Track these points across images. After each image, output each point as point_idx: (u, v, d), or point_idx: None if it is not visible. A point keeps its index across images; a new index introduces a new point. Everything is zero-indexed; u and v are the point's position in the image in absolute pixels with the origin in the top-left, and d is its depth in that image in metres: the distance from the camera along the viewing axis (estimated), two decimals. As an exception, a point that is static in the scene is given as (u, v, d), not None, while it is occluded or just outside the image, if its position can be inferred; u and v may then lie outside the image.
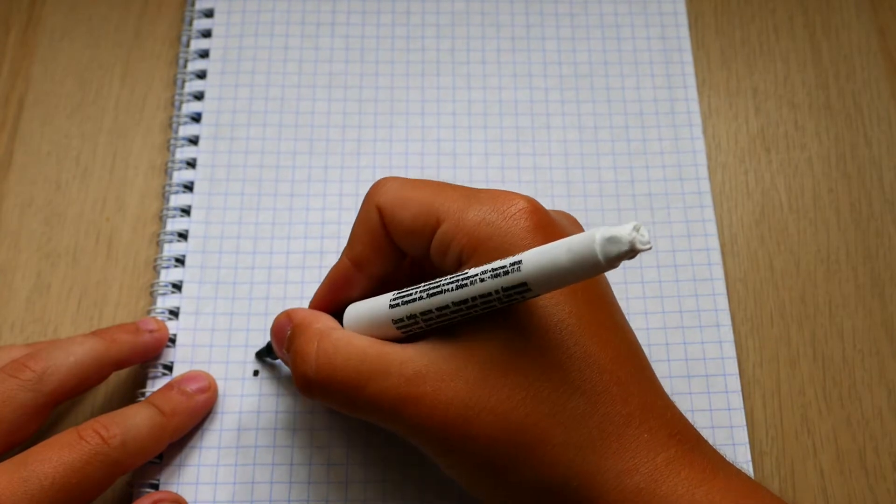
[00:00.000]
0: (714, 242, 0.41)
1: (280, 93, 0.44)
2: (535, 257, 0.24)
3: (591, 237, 0.23)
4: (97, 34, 0.46)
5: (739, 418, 0.37)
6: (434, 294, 0.27)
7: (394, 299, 0.29)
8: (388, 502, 0.35)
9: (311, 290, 0.39)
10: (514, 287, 0.25)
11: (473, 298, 0.26)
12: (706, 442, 0.29)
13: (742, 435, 0.36)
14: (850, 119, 0.44)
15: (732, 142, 0.44)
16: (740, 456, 0.36)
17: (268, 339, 0.38)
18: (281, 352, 0.34)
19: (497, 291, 0.26)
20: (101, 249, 0.41)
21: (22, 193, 0.42)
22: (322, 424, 0.37)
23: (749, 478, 0.28)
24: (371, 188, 0.32)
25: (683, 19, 0.46)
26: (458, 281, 0.27)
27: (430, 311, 0.28)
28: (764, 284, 0.40)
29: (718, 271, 0.40)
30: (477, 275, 0.26)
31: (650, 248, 0.22)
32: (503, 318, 0.28)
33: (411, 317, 0.28)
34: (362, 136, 0.43)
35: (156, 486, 0.35)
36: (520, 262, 0.25)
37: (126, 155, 0.43)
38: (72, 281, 0.40)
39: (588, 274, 0.23)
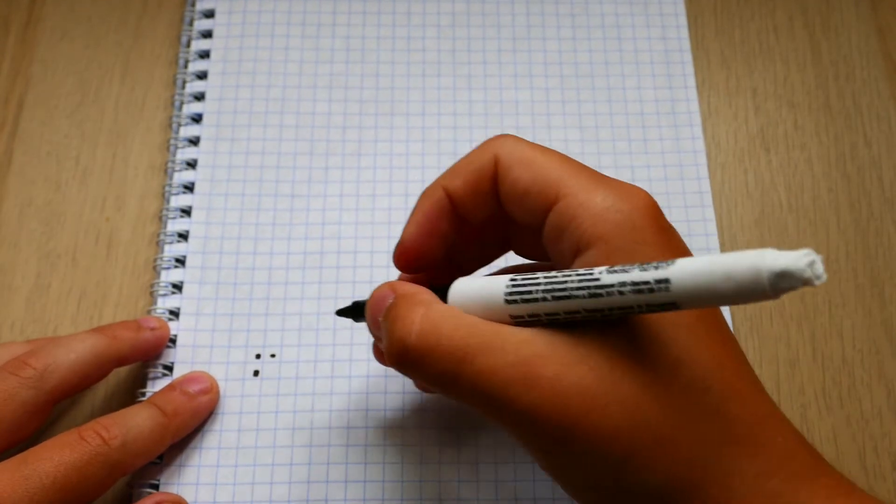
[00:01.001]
0: (714, 242, 0.41)
1: (281, 93, 0.44)
2: (688, 279, 0.22)
3: (757, 269, 0.20)
4: (97, 34, 0.46)
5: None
6: (561, 297, 0.25)
7: (510, 294, 0.26)
8: (388, 502, 0.35)
9: (312, 290, 0.39)
10: (661, 305, 0.23)
11: (611, 309, 0.24)
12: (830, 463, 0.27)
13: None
14: (849, 119, 0.44)
15: (732, 141, 0.44)
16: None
17: (271, 334, 0.38)
18: (375, 325, 0.30)
19: (640, 307, 0.23)
20: (101, 249, 0.41)
21: (22, 193, 0.42)
22: (322, 424, 0.37)
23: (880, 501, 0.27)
24: (493, 137, 0.30)
25: (683, 19, 0.46)
26: (589, 288, 0.24)
27: (557, 314, 0.25)
28: (764, 284, 0.40)
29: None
30: (614, 286, 0.24)
31: (819, 284, 0.20)
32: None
33: (534, 315, 0.26)
34: (363, 137, 0.43)
35: (156, 487, 0.35)
36: (667, 280, 0.22)
37: (126, 155, 0.43)
38: (71, 281, 0.40)
39: (747, 301, 0.21)
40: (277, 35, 0.45)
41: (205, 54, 0.45)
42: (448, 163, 0.42)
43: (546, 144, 0.42)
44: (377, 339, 0.31)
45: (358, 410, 0.37)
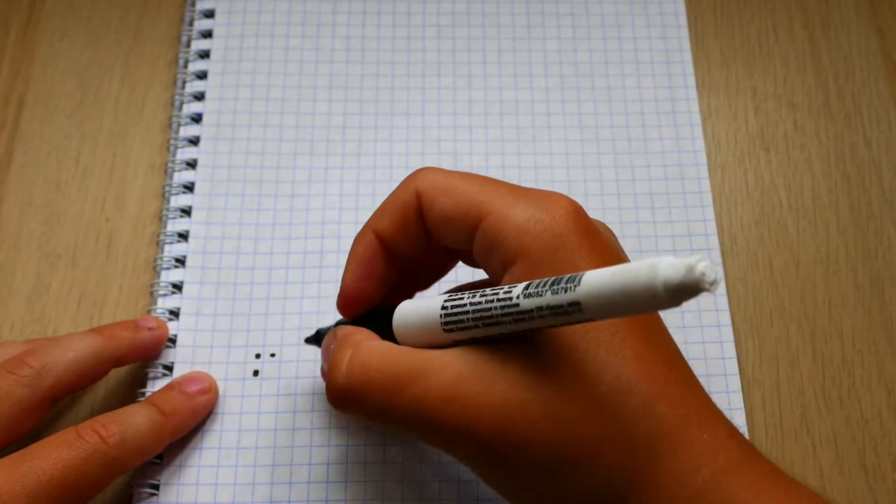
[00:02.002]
0: (714, 242, 0.41)
1: (281, 93, 0.44)
2: (594, 300, 0.23)
3: (652, 284, 0.21)
4: (97, 34, 0.46)
5: (740, 418, 0.37)
6: (490, 324, 0.26)
7: (447, 325, 0.28)
8: (387, 502, 0.35)
9: (312, 290, 0.39)
10: (578, 321, 0.24)
11: (531, 330, 0.25)
12: (760, 451, 0.28)
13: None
14: (849, 119, 0.44)
15: (732, 142, 0.44)
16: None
17: (271, 334, 0.38)
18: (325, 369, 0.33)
19: (561, 324, 0.24)
20: (101, 250, 0.41)
21: (22, 193, 0.42)
22: (322, 424, 0.37)
23: (810, 489, 0.27)
24: (413, 173, 0.31)
25: (683, 19, 0.46)
26: (512, 315, 0.25)
27: (491, 336, 0.27)
28: (763, 284, 0.40)
29: (718, 272, 0.40)
30: (534, 312, 0.24)
31: (716, 290, 0.21)
32: None
33: (472, 337, 0.27)
34: (363, 137, 0.43)
35: (156, 487, 0.35)
36: (578, 303, 0.23)
37: (126, 155, 0.43)
38: (71, 281, 0.40)
39: (654, 310, 0.22)
40: (277, 35, 0.45)
41: (205, 54, 0.45)
42: (448, 162, 0.42)
43: (546, 144, 0.43)
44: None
45: (358, 410, 0.37)
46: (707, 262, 0.20)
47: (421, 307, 0.29)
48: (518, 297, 0.25)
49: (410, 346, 0.29)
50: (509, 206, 0.28)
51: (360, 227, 0.40)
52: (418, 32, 0.46)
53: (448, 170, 0.31)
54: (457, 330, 0.27)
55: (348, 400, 0.29)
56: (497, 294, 0.26)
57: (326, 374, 0.30)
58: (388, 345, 0.29)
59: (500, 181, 0.30)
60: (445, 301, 0.28)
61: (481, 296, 0.26)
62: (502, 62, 0.45)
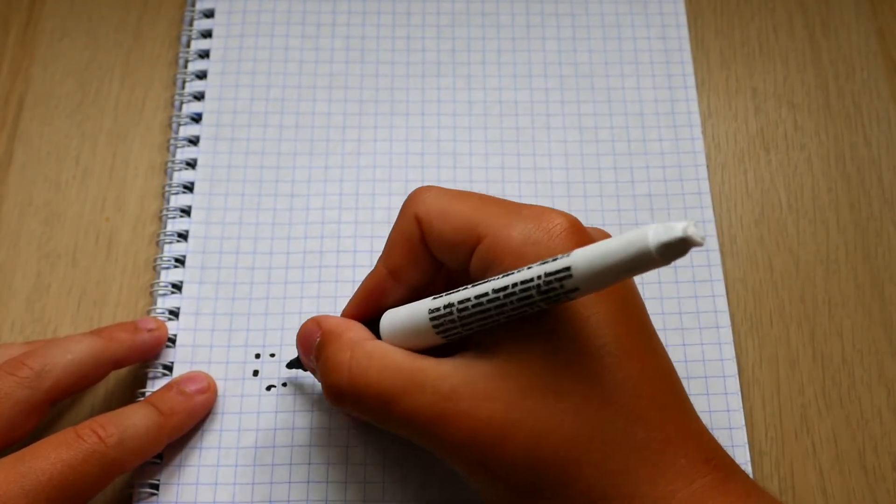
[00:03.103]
0: (713, 243, 0.41)
1: (280, 93, 0.44)
2: (584, 250, 0.24)
3: (646, 244, 0.22)
4: (97, 34, 0.46)
5: (738, 420, 0.37)
6: (479, 318, 0.27)
7: (435, 297, 0.29)
8: (387, 502, 0.35)
9: (312, 290, 0.39)
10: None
11: (514, 284, 0.26)
12: (739, 468, 0.28)
13: (741, 436, 0.36)
14: (849, 119, 0.44)
15: (732, 142, 0.44)
16: (739, 457, 0.36)
17: (271, 334, 0.38)
18: (307, 359, 0.33)
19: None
20: (101, 249, 0.41)
21: (22, 193, 0.42)
22: (321, 424, 0.37)
23: None
24: (409, 197, 0.31)
25: (683, 19, 0.46)
26: (501, 297, 0.26)
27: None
28: (763, 284, 0.40)
29: (718, 272, 0.40)
30: (519, 287, 0.25)
31: (702, 245, 0.22)
32: (543, 337, 0.27)
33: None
34: (363, 137, 0.43)
35: (156, 486, 0.35)
36: (569, 269, 0.24)
37: (126, 155, 0.43)
38: (71, 281, 0.40)
39: (637, 266, 0.22)
40: (277, 35, 0.45)
41: (205, 54, 0.45)
42: (448, 162, 0.42)
43: (546, 144, 0.43)
44: (311, 371, 0.34)
45: (357, 410, 0.37)
46: (692, 223, 0.21)
47: (406, 314, 0.30)
48: (505, 277, 0.26)
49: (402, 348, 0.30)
50: (504, 227, 0.28)
51: (359, 226, 0.41)
52: (418, 32, 0.46)
53: (444, 189, 0.31)
54: (444, 296, 0.28)
55: (346, 401, 0.30)
56: (484, 282, 0.27)
57: (322, 373, 0.31)
58: (384, 348, 0.30)
59: (495, 199, 0.30)
60: (431, 304, 0.28)
61: (464, 290, 0.27)
62: (502, 62, 0.45)
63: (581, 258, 0.24)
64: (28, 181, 0.42)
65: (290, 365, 0.36)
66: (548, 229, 0.28)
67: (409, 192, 0.41)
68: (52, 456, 0.30)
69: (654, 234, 0.22)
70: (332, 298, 0.39)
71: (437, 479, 0.35)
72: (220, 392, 0.37)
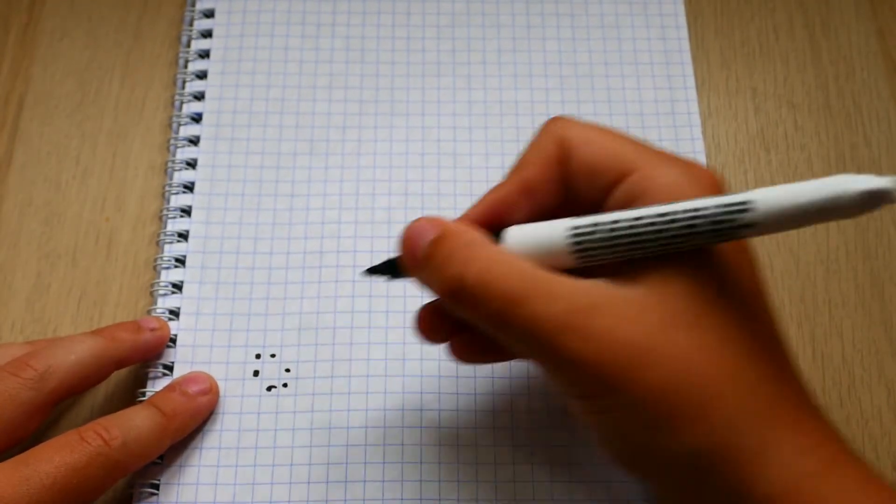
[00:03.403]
0: (714, 243, 0.41)
1: (280, 93, 0.44)
2: (768, 189, 0.23)
3: (842, 176, 0.22)
4: (97, 34, 0.46)
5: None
6: (630, 245, 0.26)
7: (578, 243, 0.27)
8: (388, 502, 0.35)
9: (312, 290, 0.39)
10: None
11: (683, 210, 0.25)
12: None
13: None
14: (849, 119, 0.44)
15: (732, 142, 0.44)
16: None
17: (271, 334, 0.37)
18: (413, 258, 0.29)
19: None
20: (101, 249, 0.41)
21: (22, 193, 0.42)
22: (322, 424, 0.37)
23: None
24: (551, 121, 0.30)
25: (683, 20, 0.46)
26: (663, 223, 0.25)
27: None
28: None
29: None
30: (689, 215, 0.25)
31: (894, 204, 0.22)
32: (689, 273, 0.26)
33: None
34: (363, 137, 0.43)
35: (157, 487, 0.35)
36: (748, 202, 0.23)
37: (126, 155, 0.43)
38: (72, 281, 0.40)
39: (828, 210, 0.22)
40: (277, 35, 0.45)
41: (205, 54, 0.45)
42: (448, 162, 0.42)
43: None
44: (411, 269, 0.30)
45: (357, 410, 0.37)
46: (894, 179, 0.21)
47: (540, 230, 0.28)
48: (669, 205, 0.25)
49: None
50: (657, 165, 0.28)
51: (359, 226, 0.41)
52: (418, 33, 0.46)
53: (586, 121, 0.30)
54: (587, 251, 0.26)
55: (469, 300, 0.27)
56: (640, 208, 0.26)
57: (439, 267, 0.28)
58: (511, 254, 0.27)
59: (640, 140, 0.29)
60: (574, 221, 0.27)
61: (613, 213, 0.26)
62: (502, 62, 0.45)
63: (764, 195, 0.23)
64: (28, 181, 0.42)
65: (372, 271, 0.32)
66: (699, 177, 0.27)
67: (409, 192, 0.41)
68: (55, 459, 0.30)
69: (858, 180, 0.21)
70: (332, 298, 0.39)
71: (437, 480, 0.35)
72: (220, 392, 0.37)
